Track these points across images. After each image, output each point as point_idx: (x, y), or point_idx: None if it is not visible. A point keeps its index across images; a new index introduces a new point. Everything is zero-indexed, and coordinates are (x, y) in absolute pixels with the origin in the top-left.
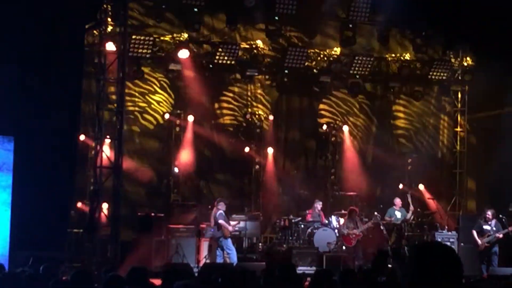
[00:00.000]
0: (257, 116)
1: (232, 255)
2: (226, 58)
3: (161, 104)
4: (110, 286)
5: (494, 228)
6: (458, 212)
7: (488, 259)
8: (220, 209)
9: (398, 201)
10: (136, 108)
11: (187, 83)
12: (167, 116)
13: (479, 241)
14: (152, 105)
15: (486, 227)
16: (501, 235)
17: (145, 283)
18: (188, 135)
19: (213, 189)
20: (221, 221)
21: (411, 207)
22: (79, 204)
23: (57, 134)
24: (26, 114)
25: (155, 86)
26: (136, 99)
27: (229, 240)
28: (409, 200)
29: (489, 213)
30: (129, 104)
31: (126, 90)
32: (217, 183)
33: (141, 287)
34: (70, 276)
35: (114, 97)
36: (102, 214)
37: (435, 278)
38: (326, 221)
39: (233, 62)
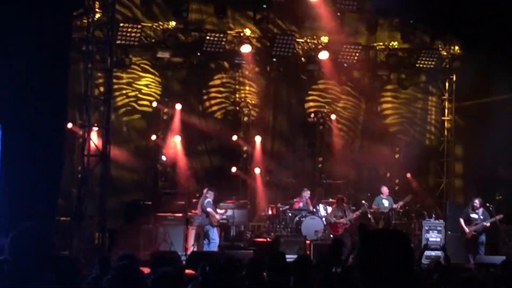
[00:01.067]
0: (244, 104)
1: (213, 244)
2: (214, 46)
3: (148, 92)
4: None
5: (481, 217)
6: (445, 201)
7: (474, 248)
8: (208, 198)
9: (385, 189)
10: (124, 96)
11: (174, 71)
12: (154, 104)
13: (466, 229)
14: (140, 93)
15: (473, 215)
16: (488, 224)
17: (135, 270)
18: (176, 123)
19: (201, 177)
20: (209, 209)
21: (401, 203)
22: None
23: (45, 122)
24: (13, 103)
25: (142, 74)
26: (124, 87)
27: (215, 229)
28: (407, 198)
29: (477, 202)
30: (117, 92)
31: (114, 78)
32: (205, 171)
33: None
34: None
35: (101, 85)
36: (90, 202)
37: (384, 267)
38: (314, 209)
39: (221, 50)
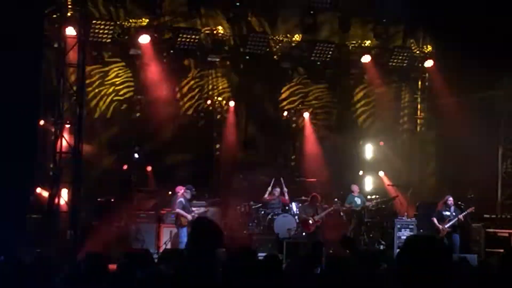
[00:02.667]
0: (217, 101)
1: (181, 246)
2: (187, 43)
3: (121, 89)
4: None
5: (453, 214)
6: (418, 199)
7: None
8: (180, 197)
9: (355, 187)
10: (96, 94)
11: (147, 69)
12: (127, 101)
13: (440, 227)
14: (113, 90)
15: (446, 213)
16: (462, 218)
17: (103, 269)
18: (149, 120)
19: (173, 175)
20: (178, 210)
21: (373, 202)
22: (39, 189)
23: (17, 120)
24: None
25: (115, 71)
26: (96, 85)
27: (185, 229)
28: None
29: (450, 200)
30: (89, 89)
31: (86, 75)
32: (178, 169)
33: (98, 273)
34: (31, 261)
35: (74, 82)
36: (62, 199)
37: (425, 269)
38: (286, 208)
39: (194, 48)
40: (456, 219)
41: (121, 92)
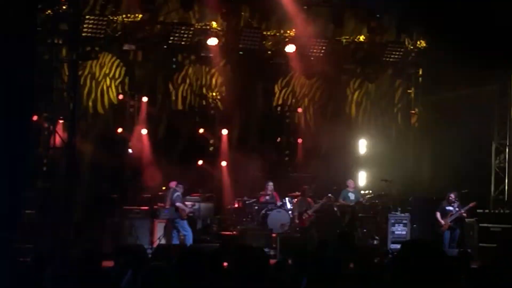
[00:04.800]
0: (210, 97)
1: (188, 237)
2: (180, 39)
3: (114, 84)
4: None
5: (456, 209)
6: (411, 194)
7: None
8: (177, 191)
9: (351, 182)
10: (89, 89)
11: (141, 64)
12: (120, 97)
13: (442, 222)
14: (106, 86)
15: (449, 208)
16: (464, 213)
17: (96, 265)
18: (142, 116)
19: (168, 170)
20: (178, 204)
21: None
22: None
23: (10, 115)
24: None
25: (108, 67)
26: (89, 80)
27: (186, 222)
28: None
29: (452, 195)
30: (82, 84)
31: (79, 71)
32: (172, 164)
33: (92, 269)
34: (30, 259)
35: (67, 77)
36: (55, 195)
37: (418, 275)
38: (280, 202)
39: (187, 43)
40: (458, 213)
41: (115, 88)
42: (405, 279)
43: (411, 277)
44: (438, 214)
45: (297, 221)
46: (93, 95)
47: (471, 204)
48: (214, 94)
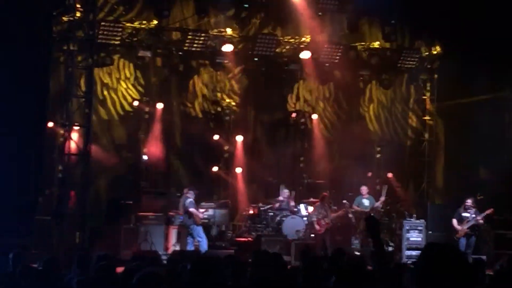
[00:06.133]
0: (226, 103)
1: (203, 243)
2: (195, 45)
3: (129, 91)
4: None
5: (473, 215)
6: (426, 200)
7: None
8: (189, 197)
9: (364, 189)
10: (105, 95)
11: (156, 70)
12: (136, 103)
13: (459, 228)
14: (121, 92)
15: (465, 214)
16: (480, 219)
17: (111, 271)
18: (157, 122)
19: (182, 176)
20: (192, 209)
21: (382, 198)
22: (47, 191)
23: (26, 121)
24: None
25: (124, 73)
26: (105, 86)
27: (200, 228)
28: (383, 191)
29: (469, 201)
30: (98, 91)
31: (95, 77)
32: (186, 171)
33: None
34: (42, 264)
35: (82, 84)
36: (71, 201)
37: (442, 280)
38: (295, 209)
39: (202, 49)
40: (474, 220)
41: (130, 94)
42: (428, 281)
43: (434, 280)
44: (455, 221)
45: (317, 226)
46: (108, 102)
47: (488, 211)
48: (228, 100)
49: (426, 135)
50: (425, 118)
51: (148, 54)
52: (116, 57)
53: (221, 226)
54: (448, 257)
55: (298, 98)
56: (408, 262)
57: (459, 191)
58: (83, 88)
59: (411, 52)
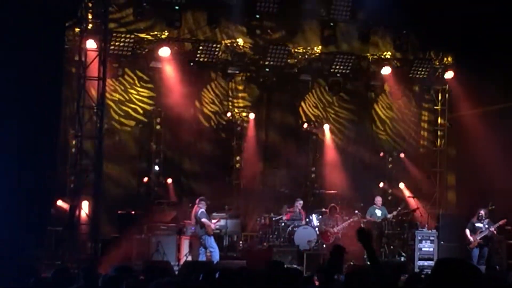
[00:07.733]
0: (237, 114)
1: (215, 253)
2: (207, 56)
3: (141, 101)
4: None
5: (486, 226)
6: (438, 211)
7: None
8: (201, 208)
9: (379, 199)
10: (117, 106)
11: (168, 81)
12: (147, 114)
13: (471, 239)
14: (133, 103)
15: (478, 224)
16: (493, 229)
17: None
18: (169, 133)
19: (194, 187)
20: (204, 220)
21: (397, 210)
22: (59, 202)
23: (38, 132)
24: (6, 112)
25: (135, 84)
26: (117, 97)
27: (212, 238)
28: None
29: (482, 212)
30: (110, 102)
31: (107, 88)
32: (198, 181)
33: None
34: (51, 274)
35: (94, 95)
36: (82, 212)
37: None
38: (306, 220)
39: (214, 60)
40: (487, 231)
41: (141, 105)
42: None
43: None
44: (468, 231)
45: (321, 238)
46: (120, 112)
47: (501, 222)
48: (240, 110)
49: (438, 145)
50: (437, 128)
51: (159, 65)
52: (127, 67)
53: (233, 237)
54: (461, 272)
55: (309, 109)
56: (422, 272)
57: (471, 202)
58: (95, 99)
59: (422, 63)
